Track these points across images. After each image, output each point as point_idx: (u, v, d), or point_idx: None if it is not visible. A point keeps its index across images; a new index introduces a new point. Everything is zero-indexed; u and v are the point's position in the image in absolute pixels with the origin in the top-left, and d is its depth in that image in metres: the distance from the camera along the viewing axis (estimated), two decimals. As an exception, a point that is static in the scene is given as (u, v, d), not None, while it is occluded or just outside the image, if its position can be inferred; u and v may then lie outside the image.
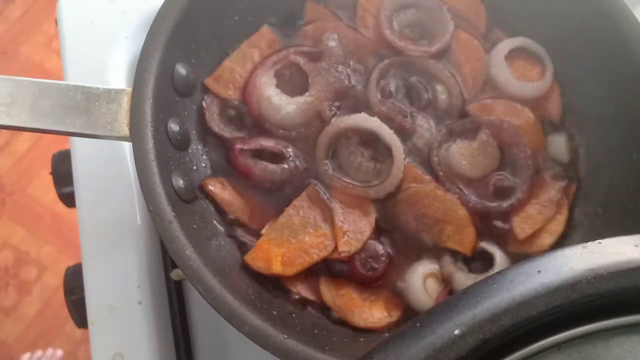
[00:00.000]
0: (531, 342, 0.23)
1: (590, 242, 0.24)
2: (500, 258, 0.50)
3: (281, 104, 0.52)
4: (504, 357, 0.23)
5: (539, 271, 0.23)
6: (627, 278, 0.22)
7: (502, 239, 0.52)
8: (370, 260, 0.50)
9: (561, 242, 0.52)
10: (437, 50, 0.55)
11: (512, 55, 0.55)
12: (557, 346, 0.23)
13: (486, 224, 0.52)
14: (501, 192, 0.53)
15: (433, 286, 0.50)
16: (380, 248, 0.50)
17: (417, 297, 0.49)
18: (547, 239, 0.52)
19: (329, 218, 0.50)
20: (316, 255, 0.49)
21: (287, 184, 0.52)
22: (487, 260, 0.51)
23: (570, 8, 0.52)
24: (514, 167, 0.53)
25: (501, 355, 0.23)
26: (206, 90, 0.53)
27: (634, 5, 0.51)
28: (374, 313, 0.49)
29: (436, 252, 0.51)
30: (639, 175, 0.50)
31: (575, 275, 0.23)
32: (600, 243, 0.24)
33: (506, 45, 0.55)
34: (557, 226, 0.52)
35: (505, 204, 0.52)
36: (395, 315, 0.49)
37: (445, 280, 0.50)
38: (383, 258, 0.50)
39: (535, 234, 0.52)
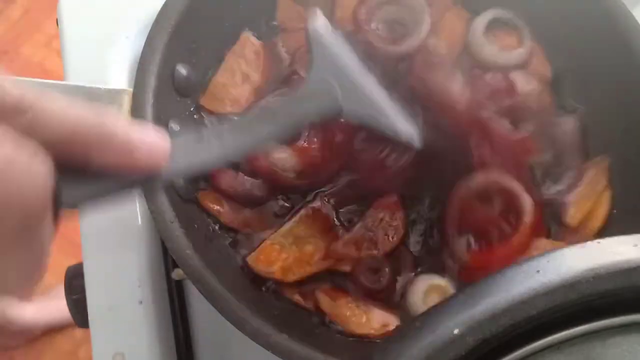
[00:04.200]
0: (530, 341, 0.23)
1: (589, 242, 0.24)
2: None
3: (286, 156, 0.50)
4: (504, 357, 0.23)
5: (538, 271, 0.23)
6: (626, 278, 0.22)
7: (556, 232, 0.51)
8: (372, 272, 0.49)
9: (606, 226, 0.51)
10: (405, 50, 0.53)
11: (488, 29, 0.55)
12: (556, 346, 0.23)
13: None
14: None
15: (435, 301, 0.49)
16: (383, 261, 0.50)
17: (414, 311, 0.49)
18: (595, 223, 0.51)
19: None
20: (316, 267, 0.49)
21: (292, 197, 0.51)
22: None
23: (569, 8, 0.52)
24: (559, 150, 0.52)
25: (501, 355, 0.23)
26: (202, 109, 0.52)
27: (633, 5, 0.51)
28: (371, 323, 0.48)
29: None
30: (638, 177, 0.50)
31: (574, 275, 0.23)
32: (599, 243, 0.24)
33: (481, 20, 0.55)
34: (601, 208, 0.51)
35: (560, 187, 0.51)
36: (393, 324, 0.49)
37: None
38: (386, 270, 0.49)
39: (584, 220, 0.50)
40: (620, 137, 0.51)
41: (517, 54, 0.54)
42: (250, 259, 0.49)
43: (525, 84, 0.53)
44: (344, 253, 0.49)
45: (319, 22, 0.40)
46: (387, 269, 0.49)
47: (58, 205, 0.26)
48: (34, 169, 0.23)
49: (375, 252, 0.49)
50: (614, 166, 0.52)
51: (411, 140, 0.41)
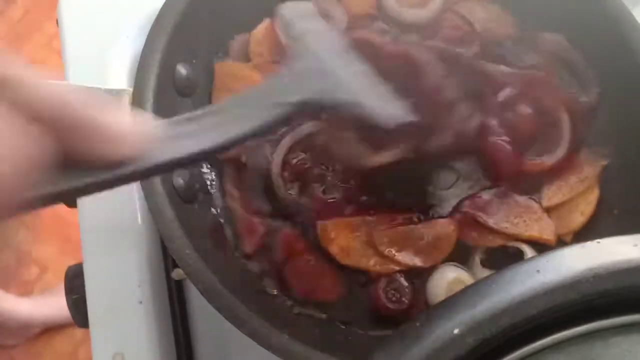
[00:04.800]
0: (530, 341, 0.23)
1: (589, 242, 0.24)
2: (531, 254, 0.48)
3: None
4: (504, 357, 0.23)
5: (538, 270, 0.23)
6: (626, 278, 0.22)
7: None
8: (394, 292, 0.48)
9: (591, 227, 0.51)
10: None
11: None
12: (556, 346, 0.23)
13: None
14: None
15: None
16: (403, 280, 0.49)
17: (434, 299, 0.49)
18: (579, 218, 0.51)
19: None
20: (373, 267, 0.49)
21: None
22: (514, 259, 0.49)
23: (569, 8, 0.52)
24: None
25: (501, 355, 0.23)
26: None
27: (633, 5, 0.51)
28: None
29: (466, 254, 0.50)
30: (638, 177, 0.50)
31: (574, 275, 0.23)
32: (599, 243, 0.24)
33: None
34: (587, 206, 0.51)
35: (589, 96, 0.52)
36: None
37: None
38: (407, 290, 0.48)
39: (567, 212, 0.51)
40: (621, 137, 0.51)
41: (434, 4, 0.55)
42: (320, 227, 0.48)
43: (475, 14, 0.54)
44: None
45: (290, 7, 0.39)
46: (408, 290, 0.48)
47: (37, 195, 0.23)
48: (17, 144, 0.22)
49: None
50: (614, 166, 0.52)
51: (398, 121, 0.37)
